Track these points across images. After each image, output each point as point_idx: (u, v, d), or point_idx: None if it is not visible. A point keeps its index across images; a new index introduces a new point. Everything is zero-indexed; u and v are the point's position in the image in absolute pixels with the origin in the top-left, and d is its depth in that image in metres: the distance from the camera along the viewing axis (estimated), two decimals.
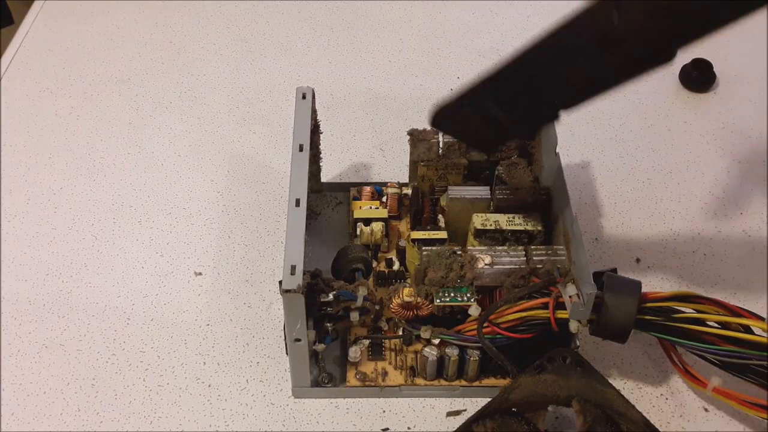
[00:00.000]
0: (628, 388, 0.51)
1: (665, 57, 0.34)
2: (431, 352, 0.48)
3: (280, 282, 0.43)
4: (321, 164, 0.60)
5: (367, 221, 0.55)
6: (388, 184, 0.58)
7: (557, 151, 0.52)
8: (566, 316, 0.45)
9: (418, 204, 0.57)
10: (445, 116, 0.44)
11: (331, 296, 0.46)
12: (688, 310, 0.46)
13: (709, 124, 0.70)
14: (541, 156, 0.53)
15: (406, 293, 0.47)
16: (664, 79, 0.74)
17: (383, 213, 0.56)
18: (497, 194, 0.53)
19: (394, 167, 0.66)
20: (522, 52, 0.39)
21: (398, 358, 0.51)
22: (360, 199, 0.58)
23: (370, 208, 0.56)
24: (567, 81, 0.38)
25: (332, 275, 0.51)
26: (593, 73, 0.37)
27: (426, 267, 0.48)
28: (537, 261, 0.48)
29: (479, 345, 0.47)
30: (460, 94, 0.43)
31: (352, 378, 0.50)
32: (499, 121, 0.42)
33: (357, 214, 0.55)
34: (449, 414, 0.50)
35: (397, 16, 0.82)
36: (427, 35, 0.80)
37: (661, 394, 0.51)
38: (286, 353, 0.48)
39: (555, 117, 0.41)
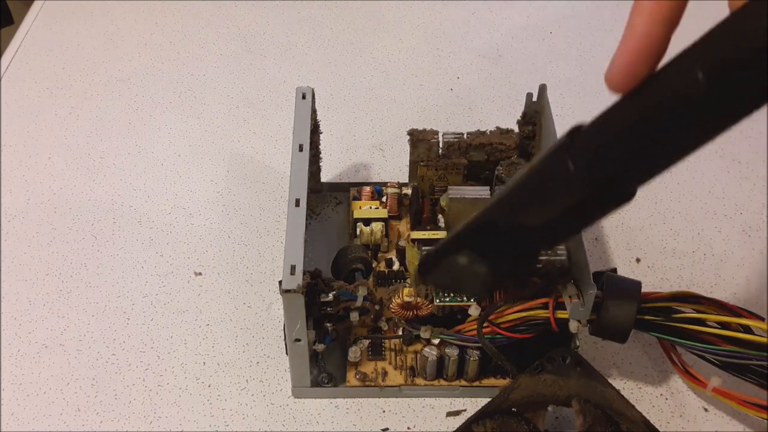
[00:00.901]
0: (628, 388, 0.51)
1: (625, 197, 0.36)
2: (431, 352, 0.48)
3: (280, 282, 0.43)
4: (321, 164, 0.60)
5: (367, 221, 0.55)
6: (388, 184, 0.58)
7: None
8: (566, 316, 0.45)
9: (417, 204, 0.57)
10: (428, 269, 0.45)
11: (331, 296, 0.46)
12: (688, 310, 0.46)
13: None
14: None
15: (406, 293, 0.47)
16: None
17: (383, 213, 0.56)
18: None
19: (394, 167, 0.66)
20: (488, 208, 0.41)
21: (398, 358, 0.51)
22: (360, 199, 0.58)
23: (370, 208, 0.56)
24: (534, 234, 0.40)
25: (332, 275, 0.51)
26: (555, 221, 0.39)
27: None
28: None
29: (479, 345, 0.47)
30: (439, 247, 0.45)
31: (352, 378, 0.50)
32: (479, 274, 0.43)
33: (357, 214, 0.55)
34: (449, 414, 0.50)
35: (397, 16, 0.82)
36: (427, 35, 0.80)
37: (661, 394, 0.51)
38: (286, 353, 0.48)
39: (533, 262, 0.44)
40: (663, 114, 0.32)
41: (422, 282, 0.47)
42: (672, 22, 0.32)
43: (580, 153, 0.36)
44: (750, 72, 0.29)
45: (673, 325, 0.46)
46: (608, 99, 0.38)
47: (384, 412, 0.50)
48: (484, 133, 0.55)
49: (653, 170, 0.35)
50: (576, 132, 0.36)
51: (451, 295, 0.47)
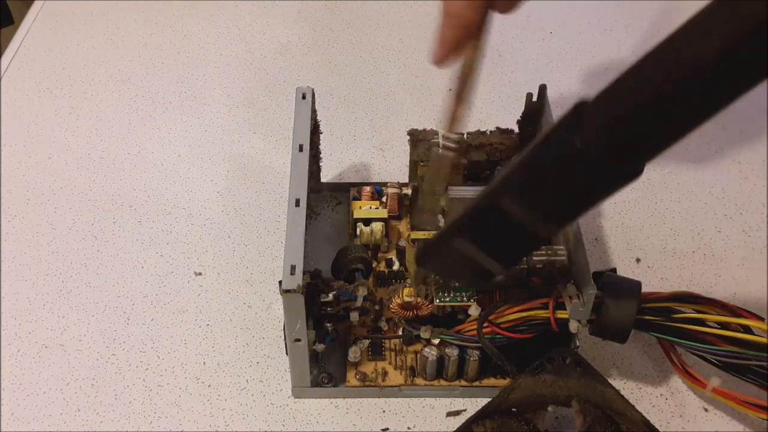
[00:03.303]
0: (628, 388, 0.51)
1: (635, 173, 0.35)
2: (431, 352, 0.48)
3: (280, 282, 0.43)
4: (321, 164, 0.60)
5: (367, 221, 0.55)
6: (388, 184, 0.58)
7: None
8: (566, 316, 0.45)
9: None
10: (428, 256, 0.44)
11: (331, 296, 0.46)
12: (688, 310, 0.46)
13: (709, 124, 0.70)
14: None
15: (406, 293, 0.47)
16: None
17: (383, 213, 0.55)
18: None
19: (394, 167, 0.66)
20: (490, 189, 0.39)
21: (398, 358, 0.51)
22: (360, 199, 0.58)
23: (370, 208, 0.56)
24: (538, 215, 0.38)
25: (332, 275, 0.51)
26: (562, 202, 0.37)
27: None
28: (537, 261, 0.48)
29: (479, 345, 0.47)
30: (439, 235, 0.43)
31: (352, 378, 0.50)
32: (480, 262, 0.41)
33: (357, 214, 0.55)
34: (449, 414, 0.50)
35: (397, 16, 0.82)
36: (427, 35, 0.80)
37: (661, 394, 0.51)
38: (286, 353, 0.48)
39: (534, 248, 0.43)
40: (677, 83, 0.31)
41: (420, 268, 0.45)
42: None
43: (589, 128, 0.34)
44: (761, 37, 0.28)
45: (673, 326, 0.46)
46: None
47: (384, 412, 0.50)
48: (484, 133, 0.55)
49: (665, 142, 0.34)
50: (581, 107, 0.35)
51: (452, 295, 0.47)
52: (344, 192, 0.61)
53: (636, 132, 0.33)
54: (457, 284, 0.47)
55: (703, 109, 0.32)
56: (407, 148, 0.56)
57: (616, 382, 0.50)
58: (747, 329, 0.45)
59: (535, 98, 0.54)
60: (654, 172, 0.66)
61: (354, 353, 0.50)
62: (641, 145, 0.34)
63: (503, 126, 0.55)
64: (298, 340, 0.46)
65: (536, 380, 0.45)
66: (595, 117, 0.34)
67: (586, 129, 0.34)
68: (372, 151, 0.68)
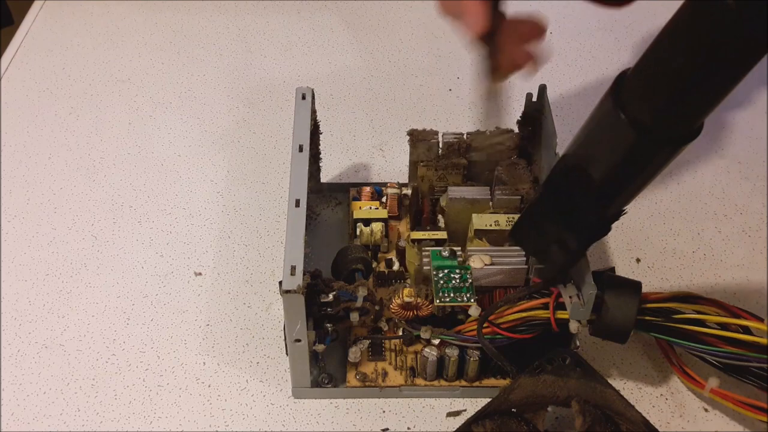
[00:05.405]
0: (628, 388, 0.51)
1: (690, 135, 0.37)
2: (431, 353, 0.48)
3: (280, 282, 0.43)
4: (321, 164, 0.60)
5: (367, 221, 0.55)
6: (388, 185, 0.58)
7: (557, 151, 0.52)
8: (566, 316, 0.45)
9: (417, 204, 0.57)
10: (518, 234, 0.46)
11: (331, 297, 0.46)
12: (688, 311, 0.46)
13: (709, 124, 0.70)
14: (541, 156, 0.54)
15: (406, 293, 0.47)
16: None
17: (383, 213, 0.56)
18: (497, 194, 0.53)
19: (394, 167, 0.66)
20: (554, 170, 0.41)
21: (398, 358, 0.51)
22: (360, 200, 0.58)
23: (370, 208, 0.56)
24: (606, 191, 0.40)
25: (332, 275, 0.51)
26: (622, 176, 0.39)
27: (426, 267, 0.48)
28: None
29: (479, 345, 0.47)
30: (525, 211, 0.46)
31: (352, 378, 0.50)
32: (559, 242, 0.44)
33: (357, 215, 0.55)
34: (449, 414, 0.50)
35: (397, 16, 0.82)
36: (427, 35, 0.80)
37: (661, 394, 0.51)
38: (286, 353, 0.48)
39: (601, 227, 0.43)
40: (705, 42, 0.32)
41: (512, 240, 0.47)
42: None
43: (629, 99, 0.35)
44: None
45: (673, 326, 0.46)
46: None
47: (384, 412, 0.50)
48: (484, 133, 0.55)
49: (708, 103, 0.35)
50: (621, 79, 0.36)
51: (452, 295, 0.47)
52: (344, 192, 0.61)
53: (676, 96, 0.35)
54: (542, 265, 0.47)
55: (736, 65, 0.33)
56: (407, 148, 0.56)
57: (616, 382, 0.50)
58: (747, 330, 0.45)
59: (535, 98, 0.54)
60: None
61: (354, 353, 0.50)
62: (684, 108, 0.35)
63: (503, 126, 0.55)
64: (299, 340, 0.46)
65: (536, 380, 0.45)
66: (635, 87, 0.35)
67: (627, 100, 0.35)
68: (372, 151, 0.68)
